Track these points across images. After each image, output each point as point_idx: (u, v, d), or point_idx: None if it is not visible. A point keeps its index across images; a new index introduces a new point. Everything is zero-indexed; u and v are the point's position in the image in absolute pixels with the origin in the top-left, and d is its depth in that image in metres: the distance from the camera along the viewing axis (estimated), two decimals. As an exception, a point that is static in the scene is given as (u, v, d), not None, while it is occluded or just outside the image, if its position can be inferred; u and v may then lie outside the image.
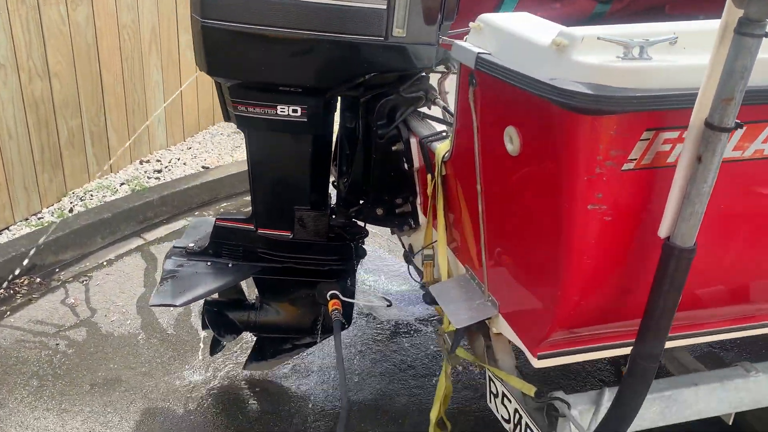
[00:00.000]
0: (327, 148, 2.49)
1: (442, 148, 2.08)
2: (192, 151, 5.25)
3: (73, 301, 3.49)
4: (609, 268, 1.48)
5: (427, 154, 2.18)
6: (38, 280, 3.64)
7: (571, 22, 2.77)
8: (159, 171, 4.82)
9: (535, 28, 1.50)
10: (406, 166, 2.37)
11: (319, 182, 2.53)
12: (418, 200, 2.46)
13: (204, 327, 2.80)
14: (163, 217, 4.42)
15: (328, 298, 2.66)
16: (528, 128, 1.47)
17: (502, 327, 1.92)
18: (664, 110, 1.26)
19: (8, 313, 3.36)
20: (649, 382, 1.55)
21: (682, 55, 1.30)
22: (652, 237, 1.38)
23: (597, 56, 1.28)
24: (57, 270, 3.76)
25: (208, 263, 2.65)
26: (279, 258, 2.64)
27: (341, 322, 2.55)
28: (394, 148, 2.33)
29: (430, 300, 2.35)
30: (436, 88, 2.47)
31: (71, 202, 4.26)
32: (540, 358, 1.75)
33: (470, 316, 1.94)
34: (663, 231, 1.34)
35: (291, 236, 2.57)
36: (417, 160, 2.34)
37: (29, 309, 3.40)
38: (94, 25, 4.25)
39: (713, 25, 1.20)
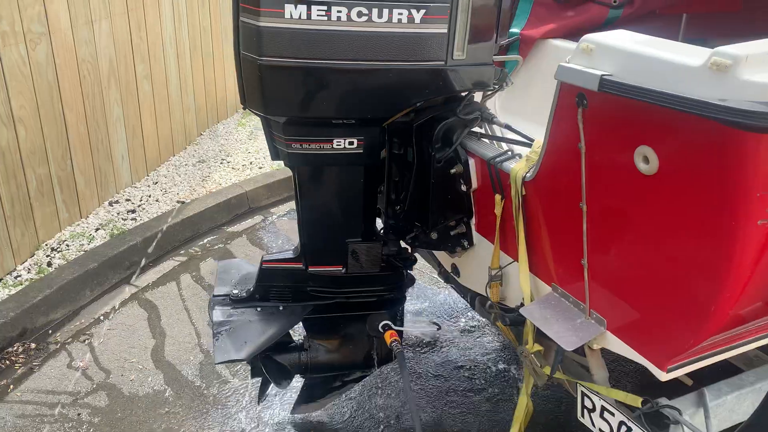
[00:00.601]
0: (376, 177, 2.41)
1: (518, 168, 2.05)
2: (160, 185, 4.98)
3: (81, 364, 3.22)
4: (764, 277, 1.49)
5: (498, 174, 2.15)
6: (33, 345, 3.34)
7: (585, 30, 2.82)
8: (132, 211, 4.54)
9: (663, 48, 1.49)
10: (463, 187, 2.32)
11: (369, 212, 2.45)
12: (473, 221, 2.42)
13: (254, 375, 2.65)
14: (149, 260, 4.17)
15: (381, 330, 2.59)
16: (674, 147, 1.46)
17: (610, 343, 1.91)
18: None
19: (11, 387, 3.06)
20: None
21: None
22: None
23: (760, 73, 1.29)
24: (50, 331, 3.47)
25: (258, 309, 2.52)
26: (330, 294, 2.54)
27: (403, 352, 2.49)
28: (452, 171, 2.28)
29: (510, 321, 2.33)
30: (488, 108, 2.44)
31: (47, 255, 3.94)
32: (670, 371, 1.75)
33: (579, 337, 1.92)
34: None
35: (343, 271, 2.47)
36: (475, 181, 2.30)
37: (34, 379, 3.11)
38: (54, 63, 3.95)
39: None
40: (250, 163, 5.44)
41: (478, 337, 3.41)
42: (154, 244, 4.18)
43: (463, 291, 2.78)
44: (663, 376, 1.78)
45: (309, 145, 2.20)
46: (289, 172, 5.04)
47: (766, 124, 1.24)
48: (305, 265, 2.47)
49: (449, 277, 2.83)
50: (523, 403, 2.37)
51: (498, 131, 2.34)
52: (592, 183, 1.74)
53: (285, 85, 2.02)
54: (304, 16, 1.92)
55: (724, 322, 1.57)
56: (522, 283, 2.16)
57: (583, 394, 2.16)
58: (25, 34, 3.68)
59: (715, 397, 2.00)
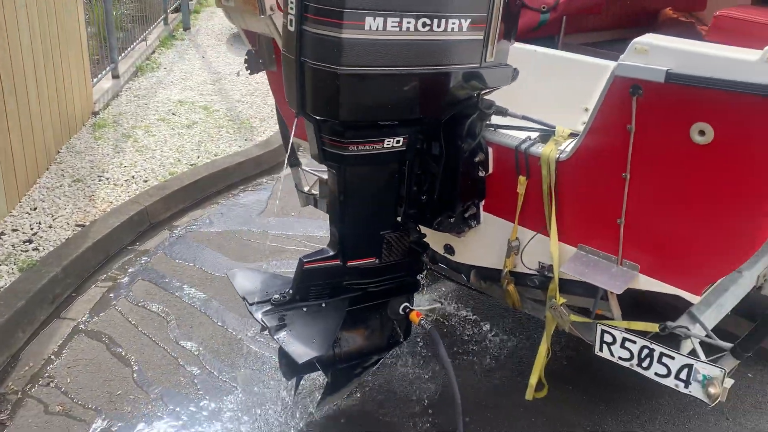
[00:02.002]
0: (404, 171, 2.63)
1: (548, 150, 2.43)
2: (43, 211, 4.51)
3: (60, 408, 2.94)
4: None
5: (526, 158, 2.51)
6: (-13, 399, 2.96)
7: (523, 32, 3.32)
8: (29, 241, 4.09)
9: (713, 48, 1.98)
10: (482, 173, 2.65)
11: (396, 206, 2.66)
12: (481, 203, 2.76)
13: (288, 377, 2.72)
14: (71, 290, 3.82)
15: (402, 312, 2.82)
16: (729, 121, 1.95)
17: (642, 284, 2.39)
18: None
19: (-11, 448, 2.72)
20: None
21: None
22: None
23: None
24: (-2, 383, 3.09)
25: (304, 309, 2.60)
26: (364, 285, 2.70)
27: (433, 327, 2.75)
28: (476, 159, 2.60)
29: (538, 283, 2.71)
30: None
31: (-49, 302, 3.44)
32: (702, 293, 2.28)
33: (622, 281, 2.37)
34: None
35: (377, 261, 2.66)
36: (491, 167, 2.65)
37: (12, 434, 2.79)
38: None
39: None
40: (132, 177, 5.14)
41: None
42: (73, 272, 3.84)
43: (454, 268, 3.11)
44: (696, 300, 2.31)
45: (365, 147, 2.36)
46: (183, 182, 4.95)
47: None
48: (343, 260, 2.60)
49: (437, 257, 3.13)
50: (544, 347, 2.77)
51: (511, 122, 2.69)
52: (639, 156, 2.19)
53: (361, 92, 2.18)
54: (381, 28, 2.10)
55: (753, 252, 2.12)
56: (552, 249, 2.55)
57: (603, 332, 2.62)
58: None
59: (702, 311, 2.59)
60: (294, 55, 2.20)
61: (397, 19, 2.12)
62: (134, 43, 8.33)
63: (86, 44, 6.30)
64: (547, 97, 3.10)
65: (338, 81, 2.13)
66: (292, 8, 2.16)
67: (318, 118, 2.28)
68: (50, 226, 4.31)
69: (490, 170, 2.65)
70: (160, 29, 9.61)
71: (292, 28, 2.19)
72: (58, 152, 5.43)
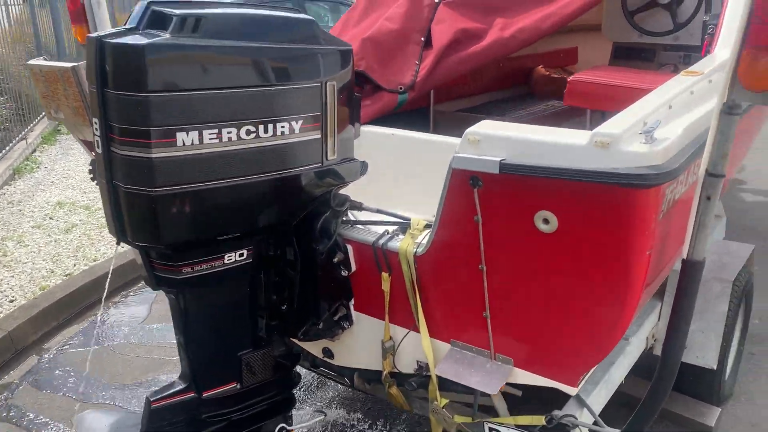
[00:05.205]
0: (259, 281, 2.42)
1: (405, 245, 2.28)
2: None
3: None
4: (645, 290, 1.96)
5: (384, 254, 2.35)
6: None
7: (385, 114, 3.24)
8: None
9: (544, 133, 1.89)
10: (344, 272, 2.47)
11: (254, 320, 2.43)
12: (351, 302, 2.58)
13: None
14: None
15: (279, 436, 2.57)
16: (571, 208, 1.85)
17: (518, 377, 2.24)
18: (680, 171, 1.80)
19: None
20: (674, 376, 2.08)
21: (664, 130, 1.86)
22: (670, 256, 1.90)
23: (633, 145, 1.75)
24: None
25: (157, 454, 2.29)
26: (226, 416, 2.43)
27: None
28: (335, 259, 2.42)
29: (416, 385, 2.51)
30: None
31: None
32: (579, 384, 2.15)
33: (496, 379, 2.21)
34: (685, 253, 1.88)
35: (239, 386, 2.40)
36: (354, 265, 2.47)
37: None
38: None
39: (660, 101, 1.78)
40: (-6, 298, 4.69)
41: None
42: None
43: (337, 371, 2.88)
44: (573, 391, 2.17)
45: (202, 267, 2.14)
46: (55, 297, 4.54)
47: (653, 181, 1.69)
48: (198, 392, 2.33)
49: (317, 361, 2.91)
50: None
51: (367, 216, 2.54)
52: (491, 247, 2.06)
53: (184, 212, 1.97)
54: (196, 142, 1.92)
55: (621, 336, 2.01)
56: (425, 347, 2.38)
57: (491, 430, 2.45)
58: None
59: (588, 394, 2.46)
60: (105, 180, 1.98)
61: (215, 131, 1.94)
62: (11, 144, 7.87)
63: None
64: (410, 181, 3.00)
65: (154, 204, 1.91)
66: (97, 129, 1.96)
67: (140, 245, 2.05)
68: None
69: (353, 268, 2.48)
70: (43, 125, 9.16)
71: (99, 151, 1.98)
72: None
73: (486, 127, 1.98)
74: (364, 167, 2.43)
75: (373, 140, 3.05)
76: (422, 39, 3.52)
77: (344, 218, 2.48)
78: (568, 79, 3.44)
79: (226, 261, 2.18)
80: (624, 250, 1.82)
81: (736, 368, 3.52)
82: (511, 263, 2.06)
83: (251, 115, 1.99)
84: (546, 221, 1.90)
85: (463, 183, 2.00)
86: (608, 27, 4.10)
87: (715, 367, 3.04)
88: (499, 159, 1.88)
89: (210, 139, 1.94)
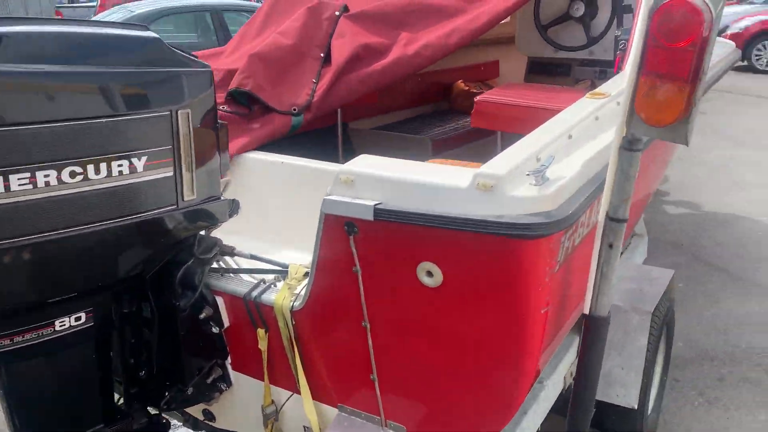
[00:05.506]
0: (109, 346, 2.05)
1: (281, 298, 1.97)
2: None
3: None
4: (545, 348, 1.70)
5: (258, 308, 2.03)
6: None
7: (277, 138, 2.92)
8: None
9: (424, 171, 1.61)
10: (215, 329, 2.14)
11: (106, 389, 2.07)
12: (228, 361, 2.24)
13: None
14: None
15: None
16: (456, 260, 1.58)
17: (412, 445, 1.96)
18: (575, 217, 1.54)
19: None
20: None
21: (560, 166, 1.61)
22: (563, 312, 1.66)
23: (521, 188, 1.49)
24: None
25: None
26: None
27: None
28: (202, 315, 2.08)
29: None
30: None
31: None
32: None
33: (390, 450, 1.92)
34: (587, 308, 1.63)
35: (90, 472, 2.03)
36: (227, 320, 2.15)
37: None
38: None
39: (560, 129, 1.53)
40: None
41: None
42: None
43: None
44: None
45: (24, 337, 1.76)
46: None
47: (542, 231, 1.43)
48: (38, 480, 1.95)
49: (199, 424, 2.57)
50: None
51: (241, 262, 2.22)
52: (373, 303, 1.77)
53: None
54: (1, 189, 1.55)
55: (521, 402, 1.74)
56: (307, 413, 2.07)
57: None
58: None
59: None
60: None
61: (27, 174, 1.58)
62: None
63: None
64: (301, 217, 2.68)
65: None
66: None
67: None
68: None
69: (226, 324, 2.15)
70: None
71: None
72: None
73: (361, 165, 1.69)
74: (234, 206, 2.11)
75: (261, 169, 2.73)
76: (321, 55, 3.23)
77: (216, 265, 2.15)
78: (475, 100, 3.20)
79: (57, 328, 1.81)
80: (516, 309, 1.56)
81: (659, 402, 3.35)
82: (396, 320, 1.77)
83: (75, 153, 1.64)
84: (430, 274, 1.63)
85: (338, 229, 1.70)
86: (522, 42, 3.91)
87: (636, 406, 2.83)
88: (373, 203, 1.60)
89: (20, 185, 1.58)
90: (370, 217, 1.59)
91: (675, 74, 1.27)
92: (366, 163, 1.70)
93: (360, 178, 1.65)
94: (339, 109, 3.83)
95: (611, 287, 1.63)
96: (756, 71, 13.55)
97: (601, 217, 1.56)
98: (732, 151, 7.86)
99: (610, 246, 1.57)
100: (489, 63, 5.42)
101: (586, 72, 3.83)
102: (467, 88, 5.30)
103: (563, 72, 3.88)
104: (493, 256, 1.51)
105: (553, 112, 2.14)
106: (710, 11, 1.26)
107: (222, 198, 2.06)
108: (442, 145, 4.11)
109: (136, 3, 9.55)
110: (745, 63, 13.49)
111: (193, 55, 2.00)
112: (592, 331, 1.66)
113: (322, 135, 4.02)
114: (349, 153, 4.35)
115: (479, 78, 5.41)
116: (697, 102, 1.32)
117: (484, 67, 5.42)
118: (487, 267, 1.54)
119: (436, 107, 5.15)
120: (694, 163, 7.33)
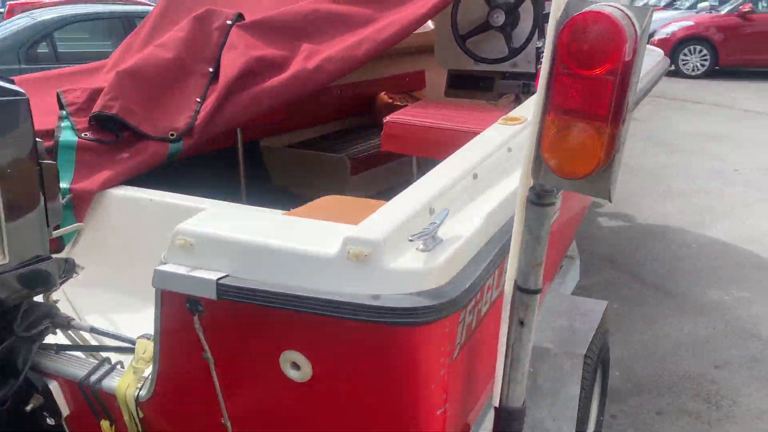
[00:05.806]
0: None
1: (124, 385, 1.56)
2: None
3: None
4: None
5: (97, 396, 1.62)
6: None
7: (151, 169, 2.48)
8: None
9: (283, 233, 1.24)
10: (51, 421, 1.71)
11: None
12: (76, 452, 1.82)
13: None
14: None
15: None
16: (329, 350, 1.21)
17: None
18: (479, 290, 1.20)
19: None
20: None
21: (458, 219, 1.26)
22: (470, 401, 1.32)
23: (404, 257, 1.13)
24: None
25: None
26: None
27: None
28: (29, 407, 1.65)
29: None
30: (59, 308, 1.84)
31: None
32: None
33: None
34: (496, 400, 1.29)
35: None
36: (67, 407, 1.72)
37: None
38: None
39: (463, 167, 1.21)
40: None
41: None
42: None
43: None
44: None
45: None
46: None
47: (426, 319, 1.08)
48: None
49: None
50: None
51: (84, 335, 1.80)
52: (232, 397, 1.39)
53: None
54: None
55: None
56: None
57: None
58: None
59: None
60: None
61: None
62: None
63: None
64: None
65: None
66: None
67: None
68: None
69: (65, 412, 1.72)
70: None
71: None
72: None
73: (203, 223, 1.30)
74: (69, 267, 1.69)
75: (126, 208, 2.31)
76: (210, 70, 2.82)
77: (54, 339, 1.73)
78: (384, 121, 2.86)
79: None
80: (403, 412, 1.20)
81: (596, 447, 3.07)
82: (262, 421, 1.39)
83: None
84: (296, 366, 1.26)
85: (180, 307, 1.31)
86: (440, 53, 3.59)
87: (569, 461, 2.54)
88: (216, 277, 1.21)
89: None
90: (213, 295, 1.21)
91: (590, 111, 0.94)
92: (211, 220, 1.32)
93: (201, 242, 1.26)
94: (239, 128, 3.43)
95: (524, 376, 1.30)
96: (684, 76, 13.78)
97: (508, 288, 1.23)
98: (664, 158, 7.81)
99: (521, 323, 1.23)
100: (414, 73, 5.13)
101: (510, 85, 3.54)
102: (391, 100, 4.97)
103: (486, 86, 3.57)
104: (370, 346, 1.16)
105: (468, 135, 1.81)
106: (634, 27, 0.94)
107: (52, 258, 1.64)
108: (362, 164, 3.77)
109: (41, 10, 8.86)
110: (673, 68, 13.71)
111: (8, 80, 1.58)
112: (504, 427, 1.33)
113: (224, 157, 3.61)
114: (259, 176, 3.95)
115: (404, 89, 5.10)
116: (622, 145, 1.00)
117: (410, 77, 5.12)
118: (364, 360, 1.19)
119: (360, 121, 4.81)
120: (627, 170, 7.20)
